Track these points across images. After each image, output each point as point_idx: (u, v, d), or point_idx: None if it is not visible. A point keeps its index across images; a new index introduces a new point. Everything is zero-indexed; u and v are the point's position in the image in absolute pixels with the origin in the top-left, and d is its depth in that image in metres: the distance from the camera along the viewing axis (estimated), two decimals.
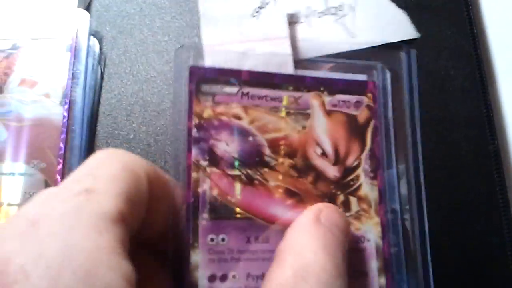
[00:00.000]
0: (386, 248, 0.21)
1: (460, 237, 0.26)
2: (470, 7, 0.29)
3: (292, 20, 0.26)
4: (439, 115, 0.28)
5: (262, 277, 0.19)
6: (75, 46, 0.30)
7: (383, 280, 0.20)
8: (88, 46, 0.30)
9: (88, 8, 0.31)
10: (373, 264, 0.20)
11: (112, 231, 0.14)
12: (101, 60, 0.31)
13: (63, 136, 0.28)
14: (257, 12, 0.21)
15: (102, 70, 0.31)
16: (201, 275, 0.19)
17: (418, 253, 0.21)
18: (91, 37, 0.31)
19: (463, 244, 0.26)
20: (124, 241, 0.15)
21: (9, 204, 0.27)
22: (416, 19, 0.29)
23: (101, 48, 0.31)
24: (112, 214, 0.15)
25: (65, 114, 0.29)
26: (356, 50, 0.25)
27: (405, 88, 0.23)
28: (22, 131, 0.28)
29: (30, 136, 0.28)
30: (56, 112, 0.29)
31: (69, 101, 0.29)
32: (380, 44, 0.26)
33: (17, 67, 0.29)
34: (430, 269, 0.20)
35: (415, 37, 0.28)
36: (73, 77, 0.30)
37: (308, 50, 0.26)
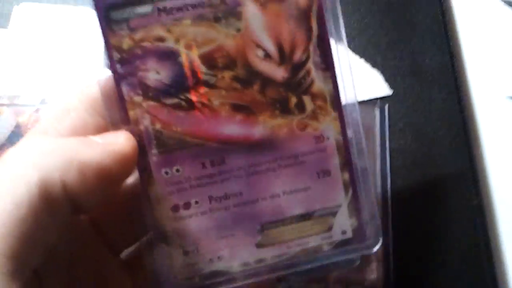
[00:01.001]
0: (347, 142, 0.20)
1: None
2: (456, 74, 0.33)
3: None
4: (429, 172, 0.31)
5: (224, 197, 0.20)
6: None
7: (346, 175, 0.20)
8: None
9: None
10: (335, 161, 0.20)
11: None
12: None
13: None
14: None
15: None
16: (164, 207, 0.19)
17: None
18: None
19: None
20: None
21: None
22: (409, 82, 0.32)
23: None
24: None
25: None
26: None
27: (377, 142, 0.28)
28: None
29: None
30: None
31: None
32: None
33: None
34: None
35: (388, 94, 0.32)
36: None
37: None
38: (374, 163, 0.29)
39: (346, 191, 0.20)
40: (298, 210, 0.20)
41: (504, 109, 0.34)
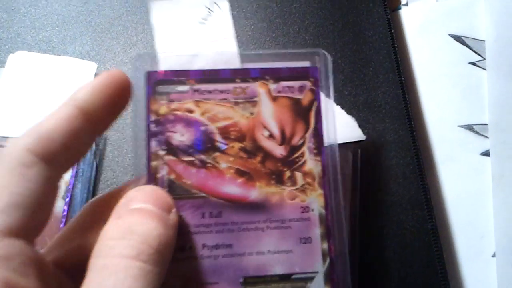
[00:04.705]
0: (329, 216, 0.25)
1: None
2: (409, 105, 0.39)
3: None
4: (385, 199, 0.37)
5: (215, 247, 0.24)
6: None
7: (325, 245, 0.25)
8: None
9: None
10: (317, 231, 0.25)
11: None
12: (96, 155, 0.39)
13: (62, 226, 0.36)
14: (204, 19, 0.26)
15: (97, 164, 0.39)
16: None
17: None
18: None
19: None
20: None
21: None
22: (364, 116, 0.39)
23: (96, 144, 0.40)
24: None
25: (65, 208, 0.37)
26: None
27: (347, 183, 0.33)
28: None
29: None
30: (58, 205, 0.37)
31: (70, 196, 0.38)
32: None
33: None
34: None
35: (362, 139, 0.37)
36: (76, 175, 0.38)
37: None
38: (345, 201, 0.34)
39: (324, 260, 0.25)
40: (279, 270, 0.24)
41: (455, 137, 0.39)
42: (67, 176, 0.38)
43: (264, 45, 0.40)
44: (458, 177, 0.38)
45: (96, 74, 0.39)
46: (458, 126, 0.39)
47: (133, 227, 0.21)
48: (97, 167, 0.38)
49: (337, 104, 0.38)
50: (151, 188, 0.24)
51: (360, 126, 0.38)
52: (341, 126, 0.37)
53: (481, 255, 0.36)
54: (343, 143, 0.37)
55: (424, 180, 0.36)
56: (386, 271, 0.35)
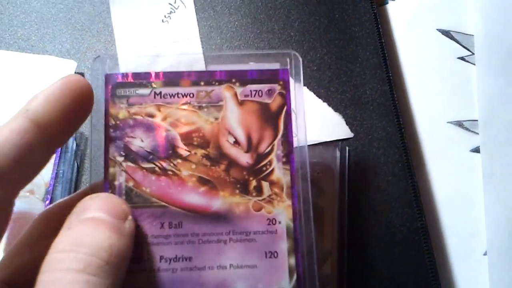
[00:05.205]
0: (296, 229, 0.24)
1: None
2: (397, 102, 0.38)
3: None
4: (374, 197, 0.36)
5: (174, 259, 0.23)
6: (61, 149, 0.37)
7: (292, 260, 0.23)
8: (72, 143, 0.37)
9: None
10: (284, 245, 0.23)
11: None
12: (77, 155, 0.38)
13: None
14: (167, 17, 0.25)
15: (78, 165, 0.38)
16: None
17: None
18: None
19: None
20: None
21: None
22: (351, 113, 0.38)
23: (77, 144, 0.38)
24: None
25: None
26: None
27: (335, 181, 0.33)
28: None
29: (12, 228, 0.34)
30: (38, 207, 0.36)
31: (51, 198, 0.36)
32: (318, 142, 0.36)
33: None
34: None
35: (350, 137, 0.37)
36: (56, 176, 0.37)
37: None
38: (333, 200, 0.34)
39: (291, 276, 0.23)
40: (242, 286, 0.23)
41: (444, 134, 0.38)
42: (47, 178, 0.37)
43: (247, 41, 0.39)
44: (448, 174, 0.38)
45: (76, 73, 0.38)
46: (447, 122, 0.39)
47: (82, 238, 0.20)
48: (78, 168, 0.37)
49: (324, 101, 0.38)
50: (106, 196, 0.23)
51: (347, 123, 0.37)
52: (328, 123, 0.37)
53: (472, 253, 0.36)
54: (331, 141, 0.37)
55: (413, 177, 0.36)
56: (375, 271, 0.34)
